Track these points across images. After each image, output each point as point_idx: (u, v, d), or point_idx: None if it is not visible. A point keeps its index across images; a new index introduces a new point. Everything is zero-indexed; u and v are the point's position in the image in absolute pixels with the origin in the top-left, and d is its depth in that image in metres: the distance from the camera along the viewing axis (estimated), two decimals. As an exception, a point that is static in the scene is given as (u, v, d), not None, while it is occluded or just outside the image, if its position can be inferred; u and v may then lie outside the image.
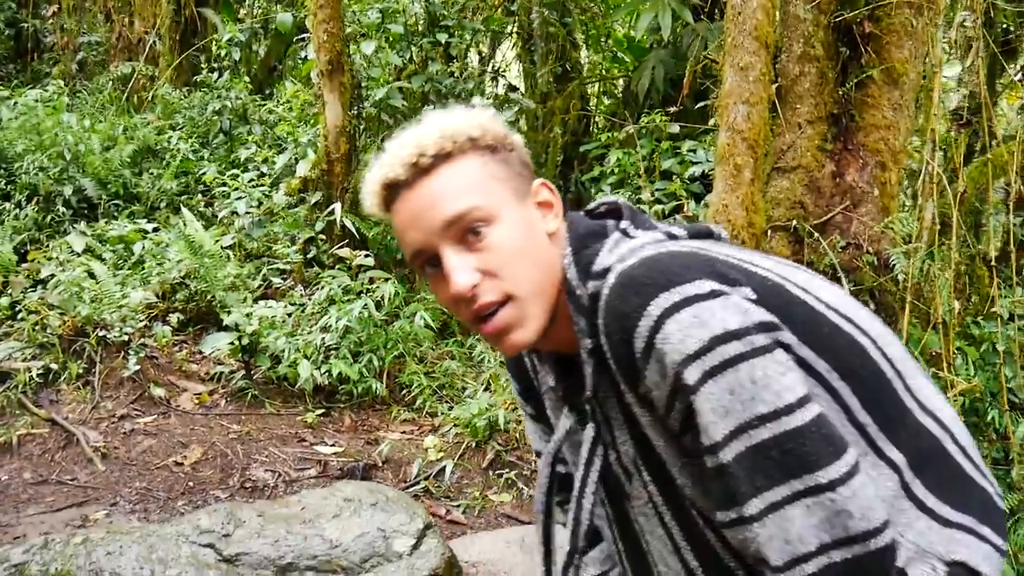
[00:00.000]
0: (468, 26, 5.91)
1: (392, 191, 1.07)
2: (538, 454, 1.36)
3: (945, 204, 4.36)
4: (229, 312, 3.97)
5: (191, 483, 3.19)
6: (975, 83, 4.30)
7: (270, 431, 3.64)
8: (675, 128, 5.49)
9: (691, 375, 0.91)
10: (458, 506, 3.30)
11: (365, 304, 3.87)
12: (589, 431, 1.11)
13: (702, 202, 4.89)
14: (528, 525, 3.24)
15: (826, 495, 0.90)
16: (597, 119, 7.28)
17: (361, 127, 5.03)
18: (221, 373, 4.02)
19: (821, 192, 4.36)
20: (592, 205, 1.20)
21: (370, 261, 4.18)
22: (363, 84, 4.93)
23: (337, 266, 4.45)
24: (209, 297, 4.30)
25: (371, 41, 5.09)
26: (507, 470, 3.54)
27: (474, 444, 3.64)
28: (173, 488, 3.14)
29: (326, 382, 3.90)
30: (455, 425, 3.74)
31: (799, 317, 0.98)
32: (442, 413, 3.91)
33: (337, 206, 4.34)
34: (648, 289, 0.95)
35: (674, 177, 5.20)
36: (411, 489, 3.36)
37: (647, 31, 6.05)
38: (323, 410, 3.87)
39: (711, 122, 5.30)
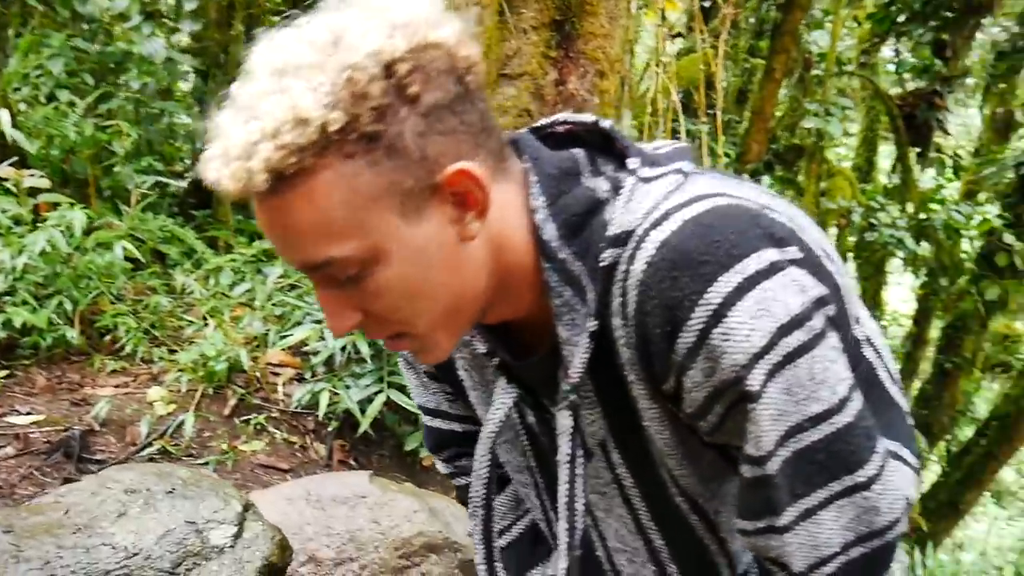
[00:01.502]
0: None
1: None
2: (426, 410, 1.15)
3: (650, 114, 4.61)
4: None
5: None
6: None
7: (-64, 405, 2.86)
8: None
9: (755, 379, 0.76)
10: (206, 463, 2.87)
11: (50, 236, 3.14)
12: (566, 422, 0.91)
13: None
14: (298, 476, 2.92)
15: (860, 494, 0.82)
16: (267, 17, 6.63)
17: (4, 13, 4.02)
18: None
19: (545, 100, 4.36)
20: (544, 122, 0.91)
21: (45, 183, 3.39)
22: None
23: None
24: None
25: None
26: (254, 415, 3.15)
27: (211, 391, 3.18)
28: None
29: (2, 335, 3.14)
30: (181, 371, 3.23)
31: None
32: (161, 359, 3.36)
33: (3, 114, 3.43)
34: (706, 269, 0.76)
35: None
36: (144, 452, 2.86)
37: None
38: (5, 371, 3.12)
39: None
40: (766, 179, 4.86)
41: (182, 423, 2.96)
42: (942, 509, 8.17)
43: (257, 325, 3.37)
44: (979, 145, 9.40)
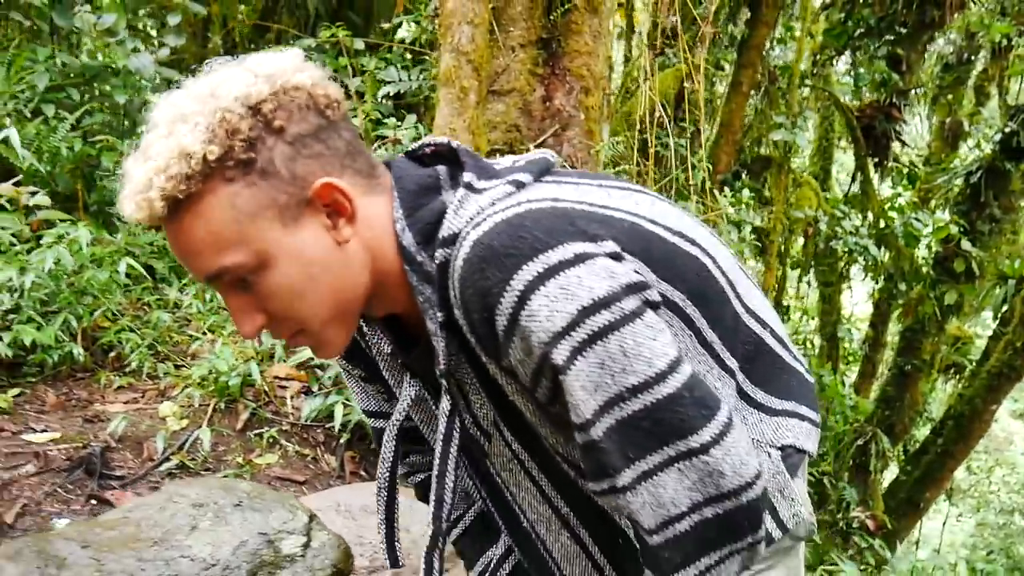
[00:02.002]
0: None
1: None
2: (369, 413, 1.27)
3: (637, 129, 4.75)
4: None
5: None
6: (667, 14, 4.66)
7: (-50, 425, 2.85)
8: (360, 44, 5.20)
9: (560, 355, 0.87)
10: (225, 476, 2.90)
11: (58, 254, 3.14)
12: (445, 404, 1.04)
13: (404, 123, 4.73)
14: (313, 488, 2.98)
15: (699, 458, 0.90)
16: (243, 31, 6.63)
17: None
18: None
19: (533, 115, 4.48)
20: (415, 146, 1.07)
21: (46, 200, 3.39)
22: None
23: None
24: None
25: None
26: (266, 428, 3.19)
27: (223, 405, 3.22)
28: None
29: (8, 354, 3.14)
30: (188, 386, 3.26)
31: (657, 255, 0.95)
32: (166, 374, 3.38)
33: (13, 133, 3.41)
34: (510, 260, 0.87)
35: (364, 97, 4.96)
36: (162, 467, 2.88)
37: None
38: (17, 390, 3.12)
39: (396, 37, 5.11)
40: (745, 192, 5.03)
41: (197, 438, 2.99)
42: (902, 507, 8.45)
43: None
44: (929, 154, 9.78)
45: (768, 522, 0.99)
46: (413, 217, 0.96)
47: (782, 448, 1.04)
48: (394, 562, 1.22)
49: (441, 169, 1.00)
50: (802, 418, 1.07)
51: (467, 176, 0.97)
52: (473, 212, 0.93)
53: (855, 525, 7.55)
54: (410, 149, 1.06)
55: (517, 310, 0.86)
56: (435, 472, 1.05)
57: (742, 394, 1.04)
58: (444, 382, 1.01)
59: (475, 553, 1.29)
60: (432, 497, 1.06)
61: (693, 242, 1.00)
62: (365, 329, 1.14)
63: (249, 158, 0.89)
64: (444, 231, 0.93)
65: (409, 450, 1.30)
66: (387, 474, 1.16)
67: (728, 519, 0.91)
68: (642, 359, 0.87)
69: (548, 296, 0.85)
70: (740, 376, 1.03)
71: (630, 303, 0.87)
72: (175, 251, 0.93)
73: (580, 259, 0.87)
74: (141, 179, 0.88)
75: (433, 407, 1.14)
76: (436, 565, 1.11)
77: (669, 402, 0.88)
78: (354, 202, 0.94)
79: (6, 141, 3.41)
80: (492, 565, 1.27)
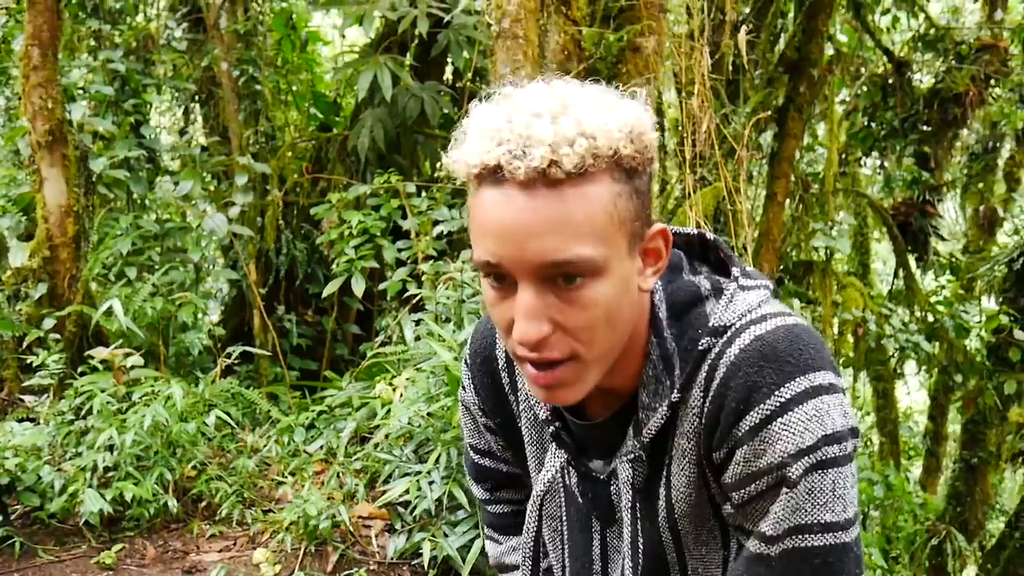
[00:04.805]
0: (177, 84, 5.41)
1: (493, 176, 0.85)
2: (477, 450, 1.31)
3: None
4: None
5: (-15, 676, 2.50)
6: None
7: (61, 584, 2.98)
8: (412, 187, 5.50)
9: (796, 470, 0.91)
10: (323, 622, 2.99)
11: (156, 412, 3.34)
12: (626, 471, 1.04)
13: (462, 257, 4.95)
14: (410, 625, 3.04)
15: None
16: (302, 183, 7.01)
17: (89, 205, 4.35)
18: (-40, 524, 3.20)
19: (584, 244, 4.68)
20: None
21: (139, 360, 3.62)
22: (89, 156, 4.27)
23: (80, 371, 3.79)
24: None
25: (79, 103, 4.44)
26: (355, 569, 3.27)
27: (313, 548, 3.32)
28: None
29: (109, 510, 3.30)
30: (277, 531, 3.37)
31: None
32: (255, 520, 3.51)
33: (116, 304, 3.68)
34: (788, 368, 0.91)
35: (420, 236, 5.22)
36: (261, 615, 2.98)
37: (367, 91, 6.01)
38: (120, 545, 3.26)
39: (442, 173, 5.41)
40: (796, 302, 5.15)
41: (293, 583, 3.09)
42: (985, 608, 8.10)
43: (348, 480, 3.54)
44: (967, 242, 9.84)
45: None
46: (666, 291, 1.00)
47: None
48: None
49: (679, 252, 1.04)
50: None
51: (736, 271, 1.02)
52: (744, 309, 0.97)
53: (940, 630, 7.26)
54: None
55: (775, 416, 0.90)
56: (627, 539, 1.06)
57: None
58: (636, 452, 1.02)
59: None
60: (629, 564, 1.08)
61: None
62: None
63: (637, 168, 0.89)
64: (715, 320, 0.96)
65: (502, 485, 1.31)
66: (532, 543, 1.17)
67: None
68: (842, 501, 0.91)
69: (806, 414, 0.90)
70: None
71: (850, 445, 0.92)
72: (524, 221, 0.84)
73: (832, 389, 0.92)
74: (548, 135, 0.83)
75: (560, 481, 1.16)
76: None
77: (843, 549, 0.92)
78: (667, 258, 0.96)
79: (109, 311, 3.69)
80: None
